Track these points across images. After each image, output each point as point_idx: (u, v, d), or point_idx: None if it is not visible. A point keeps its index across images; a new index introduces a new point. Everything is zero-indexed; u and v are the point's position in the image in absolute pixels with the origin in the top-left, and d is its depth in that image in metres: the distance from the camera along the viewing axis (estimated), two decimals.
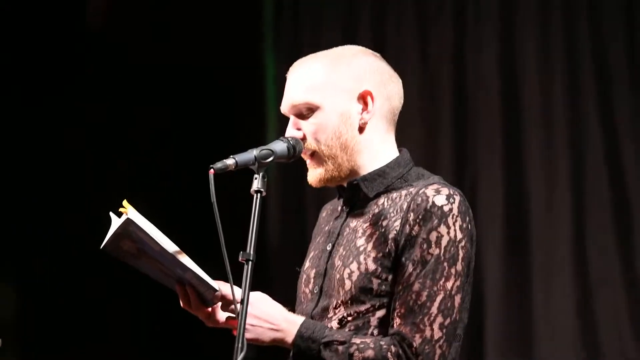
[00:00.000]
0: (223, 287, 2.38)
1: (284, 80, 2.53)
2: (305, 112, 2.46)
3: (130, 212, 2.34)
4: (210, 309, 2.42)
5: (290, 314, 2.40)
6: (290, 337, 2.35)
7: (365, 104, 2.46)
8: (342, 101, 2.45)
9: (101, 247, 2.39)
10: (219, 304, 2.41)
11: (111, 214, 2.39)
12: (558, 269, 4.49)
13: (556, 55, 4.55)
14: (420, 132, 4.59)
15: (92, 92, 5.09)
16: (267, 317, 2.36)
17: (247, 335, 2.28)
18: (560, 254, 4.49)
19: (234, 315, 2.39)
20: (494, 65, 4.64)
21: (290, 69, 2.52)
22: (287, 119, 2.52)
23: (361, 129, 2.46)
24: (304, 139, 2.46)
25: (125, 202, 2.36)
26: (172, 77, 5.07)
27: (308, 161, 2.49)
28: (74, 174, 4.98)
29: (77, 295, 4.97)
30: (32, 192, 4.98)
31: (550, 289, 4.49)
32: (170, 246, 2.36)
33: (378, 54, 2.54)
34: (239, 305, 2.22)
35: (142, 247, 2.37)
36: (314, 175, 2.48)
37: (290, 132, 2.47)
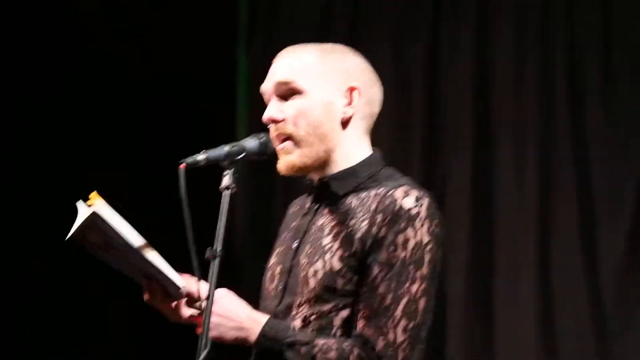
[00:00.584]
0: (189, 283, 2.38)
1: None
2: (289, 93, 2.44)
3: (97, 204, 2.33)
4: (174, 304, 2.42)
5: (255, 312, 2.38)
6: (253, 336, 2.33)
7: (351, 99, 2.45)
8: (328, 92, 2.44)
9: (67, 238, 2.38)
10: (184, 300, 2.41)
11: (79, 203, 2.37)
12: (522, 275, 4.50)
13: (530, 62, 4.56)
14: (391, 133, 4.60)
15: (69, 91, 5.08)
16: (231, 314, 2.33)
17: (210, 333, 2.26)
18: (525, 259, 4.50)
19: (197, 312, 2.39)
20: (468, 67, 4.65)
21: (278, 54, 2.49)
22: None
23: (342, 124, 2.45)
24: (283, 121, 2.43)
25: (93, 194, 2.35)
26: (146, 76, 5.06)
27: (280, 147, 2.44)
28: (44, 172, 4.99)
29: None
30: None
31: (514, 295, 4.50)
32: (137, 240, 2.36)
33: (366, 59, 2.53)
34: (204, 302, 2.21)
35: (107, 239, 2.36)
36: (286, 161, 2.44)
37: (271, 110, 2.44)
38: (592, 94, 4.49)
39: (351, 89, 2.45)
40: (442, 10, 4.72)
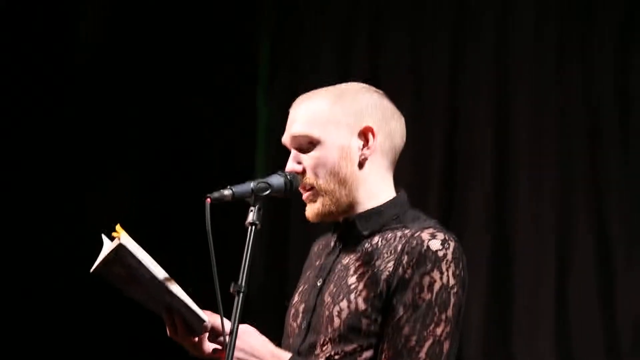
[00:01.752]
0: (212, 318, 2.37)
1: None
2: (306, 145, 2.47)
3: (122, 237, 2.33)
4: (196, 339, 2.40)
5: (277, 349, 2.38)
6: None
7: (366, 140, 2.46)
8: (343, 136, 2.45)
9: (91, 270, 2.38)
10: (206, 334, 2.40)
11: (103, 236, 2.38)
12: (540, 318, 4.49)
13: (550, 106, 4.58)
14: (410, 172, 4.60)
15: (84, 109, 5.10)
16: (253, 350, 2.33)
17: None
18: (544, 302, 4.49)
19: (220, 347, 2.38)
20: (488, 111, 4.66)
21: (293, 103, 2.52)
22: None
23: (361, 165, 2.46)
24: (303, 172, 2.46)
25: (118, 227, 2.35)
26: (168, 117, 5.09)
27: (305, 195, 2.48)
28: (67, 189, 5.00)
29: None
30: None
31: (532, 339, 4.48)
32: (161, 273, 2.35)
33: (382, 92, 2.54)
34: (227, 337, 2.21)
35: (132, 272, 2.35)
36: (312, 209, 2.48)
37: (291, 165, 2.48)
38: (611, 132, 4.49)
39: (365, 130, 2.46)
40: (459, 49, 4.73)
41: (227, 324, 2.24)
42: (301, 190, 2.48)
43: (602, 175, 4.48)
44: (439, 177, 4.69)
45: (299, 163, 2.47)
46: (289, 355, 2.37)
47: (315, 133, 2.45)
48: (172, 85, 5.10)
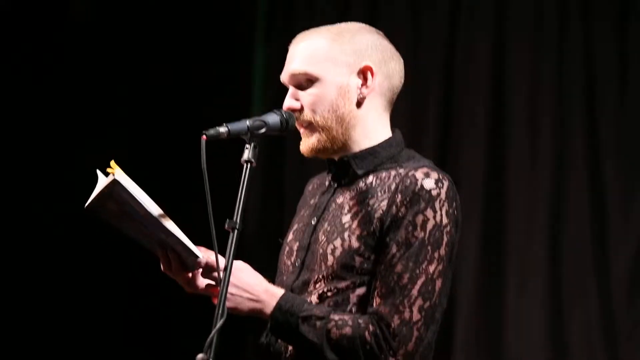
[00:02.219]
0: (205, 254, 2.38)
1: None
2: (305, 83, 2.47)
3: (117, 173, 2.34)
4: (190, 275, 2.42)
5: (271, 285, 2.40)
6: (268, 309, 2.35)
7: (365, 79, 2.46)
8: (342, 75, 2.46)
9: (85, 206, 2.38)
10: (200, 270, 2.41)
11: (98, 172, 2.38)
12: (533, 271, 4.49)
13: (547, 64, 4.55)
14: (405, 119, 4.59)
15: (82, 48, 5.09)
16: (247, 286, 2.35)
17: (227, 303, 2.24)
18: (536, 255, 4.49)
19: (213, 283, 2.40)
20: (483, 66, 4.64)
21: (293, 40, 2.52)
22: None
23: (359, 104, 2.47)
24: (301, 109, 2.47)
25: (112, 163, 2.35)
26: (165, 61, 5.08)
27: (302, 131, 2.49)
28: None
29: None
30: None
31: (524, 291, 4.48)
32: (155, 210, 2.36)
33: (381, 32, 2.54)
34: (221, 273, 2.22)
35: (126, 208, 2.35)
36: (307, 144, 2.48)
37: (288, 102, 2.48)
38: (608, 92, 4.48)
39: (364, 69, 2.46)
40: (459, 22, 4.71)
41: (222, 261, 2.26)
42: (298, 127, 2.48)
43: (600, 132, 4.48)
44: (435, 121, 4.69)
45: (297, 100, 2.48)
46: (282, 291, 2.38)
47: (313, 70, 2.45)
48: (170, 26, 5.08)
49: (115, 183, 2.32)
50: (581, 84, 4.50)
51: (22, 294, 4.99)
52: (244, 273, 2.36)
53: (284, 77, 2.51)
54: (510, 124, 4.59)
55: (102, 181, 2.36)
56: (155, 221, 2.35)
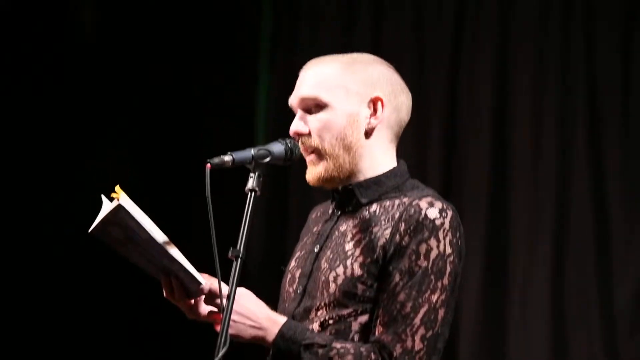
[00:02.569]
0: (209, 281, 2.38)
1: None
2: (314, 108, 2.47)
3: (122, 198, 2.34)
4: (193, 302, 2.42)
5: (273, 313, 2.40)
6: (270, 336, 2.35)
7: (375, 109, 2.47)
8: (352, 103, 2.46)
9: (89, 231, 2.38)
10: (202, 297, 2.41)
11: (102, 197, 2.38)
12: (535, 299, 4.50)
13: (550, 80, 4.58)
14: (410, 145, 4.61)
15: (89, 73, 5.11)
16: (250, 314, 2.35)
17: (229, 330, 2.25)
18: (539, 284, 4.51)
19: (216, 310, 2.40)
20: (488, 85, 4.66)
21: (305, 66, 2.52)
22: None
23: (367, 134, 2.47)
24: (308, 134, 2.46)
25: (117, 188, 2.36)
26: (168, 82, 5.09)
27: (308, 159, 2.48)
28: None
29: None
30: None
31: (526, 319, 4.50)
32: (159, 236, 2.36)
33: (392, 66, 2.54)
34: (224, 300, 2.22)
35: (130, 234, 2.36)
36: (313, 173, 2.48)
37: (296, 125, 2.47)
38: (612, 120, 4.50)
39: (375, 99, 2.47)
40: (462, 41, 4.73)
41: (225, 288, 2.26)
42: (303, 153, 2.48)
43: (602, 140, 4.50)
44: (439, 149, 4.70)
45: (305, 124, 2.47)
46: (284, 319, 2.38)
47: (324, 96, 2.45)
48: (173, 55, 5.10)
49: (119, 208, 2.33)
50: (584, 95, 4.52)
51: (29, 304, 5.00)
52: (247, 300, 2.36)
53: (293, 101, 2.50)
54: (513, 138, 4.61)
55: (107, 206, 2.37)
56: (159, 247, 2.36)
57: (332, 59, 2.51)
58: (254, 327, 2.35)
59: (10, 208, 4.97)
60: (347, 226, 2.47)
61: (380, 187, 2.47)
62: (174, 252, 2.37)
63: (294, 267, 2.56)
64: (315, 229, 2.58)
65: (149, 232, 2.35)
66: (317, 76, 2.47)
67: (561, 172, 4.53)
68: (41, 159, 5.00)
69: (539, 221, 4.52)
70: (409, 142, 4.52)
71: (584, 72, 4.54)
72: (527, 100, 4.59)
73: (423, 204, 2.37)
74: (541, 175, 4.55)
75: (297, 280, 2.52)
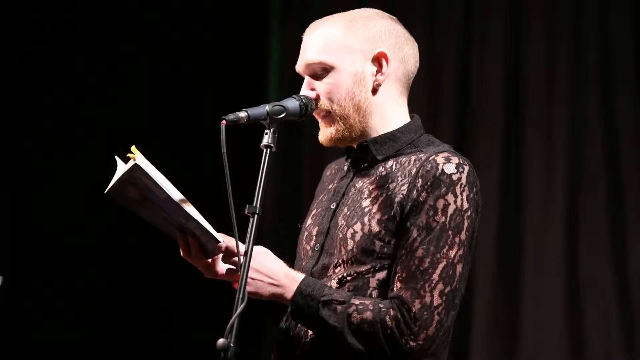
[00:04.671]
0: (226, 239, 2.38)
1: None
2: (320, 72, 2.47)
3: (138, 157, 2.34)
4: (210, 260, 2.42)
5: (291, 270, 2.40)
6: (289, 293, 2.35)
7: (380, 65, 2.46)
8: (357, 62, 2.46)
9: (105, 191, 2.38)
10: (220, 255, 2.41)
11: (117, 158, 2.37)
12: (549, 265, 4.50)
13: (561, 57, 4.56)
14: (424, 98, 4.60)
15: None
16: (268, 271, 2.35)
17: (247, 288, 2.24)
18: (553, 250, 4.50)
19: (234, 268, 2.40)
20: (499, 62, 4.64)
21: (307, 30, 2.52)
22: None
23: (374, 91, 2.47)
24: (317, 98, 2.47)
25: (133, 148, 2.35)
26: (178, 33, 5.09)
27: (320, 121, 2.49)
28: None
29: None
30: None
31: (541, 286, 4.50)
32: (176, 194, 2.36)
33: (395, 17, 2.53)
34: (242, 258, 2.21)
35: (146, 194, 2.35)
36: (325, 134, 2.49)
37: (304, 91, 2.48)
38: (624, 93, 4.48)
39: (379, 55, 2.46)
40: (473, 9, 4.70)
41: (242, 246, 2.26)
42: (316, 116, 2.49)
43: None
44: (452, 104, 4.69)
45: (313, 89, 2.48)
46: (302, 276, 2.38)
47: (328, 59, 2.45)
48: (186, 23, 5.11)
49: (136, 168, 2.32)
50: (597, 80, 4.50)
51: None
52: (265, 257, 2.36)
53: (299, 67, 2.51)
54: (525, 119, 4.59)
55: (122, 167, 2.36)
56: (175, 205, 2.35)
57: (333, 20, 2.50)
58: (272, 284, 2.35)
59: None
60: (363, 183, 2.46)
61: (396, 142, 2.46)
62: (191, 210, 2.36)
63: (311, 224, 2.56)
64: (330, 186, 2.58)
65: (166, 190, 2.34)
66: (319, 39, 2.47)
67: (573, 136, 4.51)
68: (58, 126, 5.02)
69: (552, 185, 4.51)
70: (422, 96, 4.51)
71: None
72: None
73: (440, 159, 2.36)
74: (555, 139, 4.54)
75: (314, 237, 2.52)
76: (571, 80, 4.53)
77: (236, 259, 2.34)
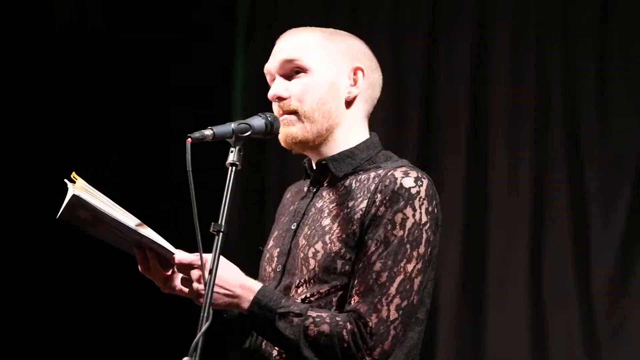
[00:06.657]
0: (181, 253, 2.35)
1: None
2: (293, 72, 2.48)
3: (77, 185, 2.33)
4: (169, 273, 2.40)
5: (248, 279, 2.36)
6: (245, 304, 2.33)
7: (355, 80, 2.50)
8: (333, 72, 2.48)
9: (57, 217, 2.37)
10: (178, 272, 2.37)
11: (67, 181, 2.36)
12: (514, 281, 4.55)
13: (524, 78, 4.62)
14: (388, 128, 4.64)
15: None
16: (223, 282, 2.31)
17: (202, 299, 2.22)
18: (518, 264, 4.56)
19: (188, 278, 2.33)
20: (466, 74, 4.70)
21: (283, 34, 2.54)
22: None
23: (347, 104, 2.49)
24: (287, 98, 2.47)
25: (73, 174, 2.34)
26: (144, 52, 5.13)
27: (284, 119, 2.47)
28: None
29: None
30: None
31: (505, 295, 4.55)
32: (121, 215, 2.35)
33: (368, 46, 2.57)
34: (206, 273, 2.20)
35: (96, 214, 2.35)
36: (288, 132, 2.47)
37: (276, 88, 2.48)
38: (587, 101, 4.55)
39: (356, 70, 2.50)
40: (440, 17, 4.77)
41: (206, 258, 2.24)
42: (279, 115, 2.46)
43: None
44: (417, 126, 4.72)
45: (285, 90, 2.48)
46: (259, 285, 2.36)
47: (306, 60, 2.47)
48: (151, 33, 5.14)
49: (73, 198, 2.31)
50: (560, 91, 4.55)
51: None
52: (220, 268, 2.28)
53: (272, 66, 2.51)
54: (491, 132, 4.64)
55: (70, 191, 2.35)
56: (124, 226, 2.34)
57: (312, 29, 2.53)
58: (227, 295, 2.32)
59: None
60: (323, 202, 2.47)
61: (354, 159, 2.48)
62: (141, 227, 2.35)
63: (272, 246, 2.56)
64: (291, 208, 2.59)
65: (109, 214, 2.33)
66: (299, 41, 2.49)
67: (538, 154, 4.56)
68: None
69: (516, 200, 4.55)
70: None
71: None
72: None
73: (398, 173, 2.37)
74: (520, 156, 4.59)
75: (275, 259, 2.52)
76: (536, 98, 4.59)
77: (192, 271, 2.31)
